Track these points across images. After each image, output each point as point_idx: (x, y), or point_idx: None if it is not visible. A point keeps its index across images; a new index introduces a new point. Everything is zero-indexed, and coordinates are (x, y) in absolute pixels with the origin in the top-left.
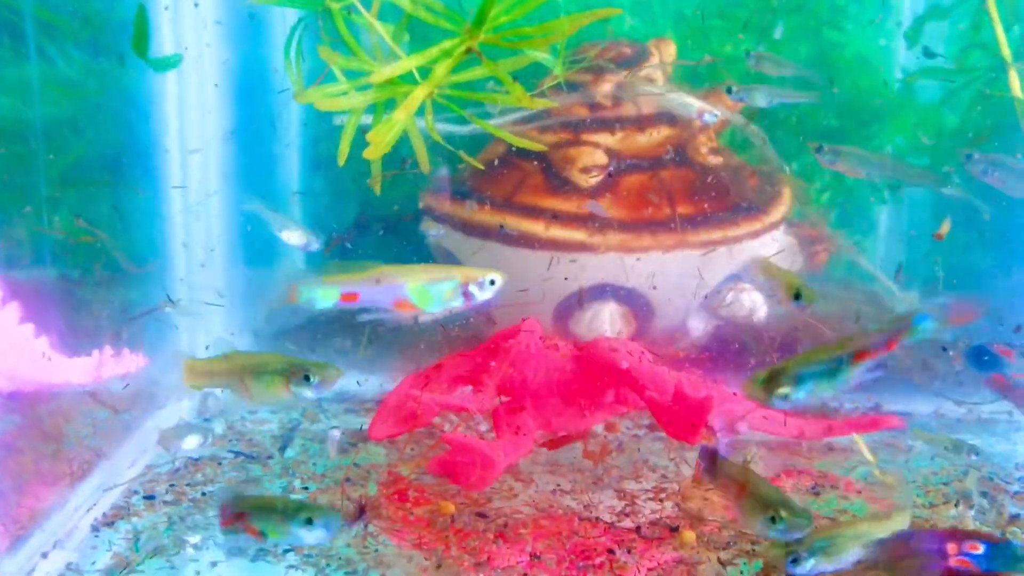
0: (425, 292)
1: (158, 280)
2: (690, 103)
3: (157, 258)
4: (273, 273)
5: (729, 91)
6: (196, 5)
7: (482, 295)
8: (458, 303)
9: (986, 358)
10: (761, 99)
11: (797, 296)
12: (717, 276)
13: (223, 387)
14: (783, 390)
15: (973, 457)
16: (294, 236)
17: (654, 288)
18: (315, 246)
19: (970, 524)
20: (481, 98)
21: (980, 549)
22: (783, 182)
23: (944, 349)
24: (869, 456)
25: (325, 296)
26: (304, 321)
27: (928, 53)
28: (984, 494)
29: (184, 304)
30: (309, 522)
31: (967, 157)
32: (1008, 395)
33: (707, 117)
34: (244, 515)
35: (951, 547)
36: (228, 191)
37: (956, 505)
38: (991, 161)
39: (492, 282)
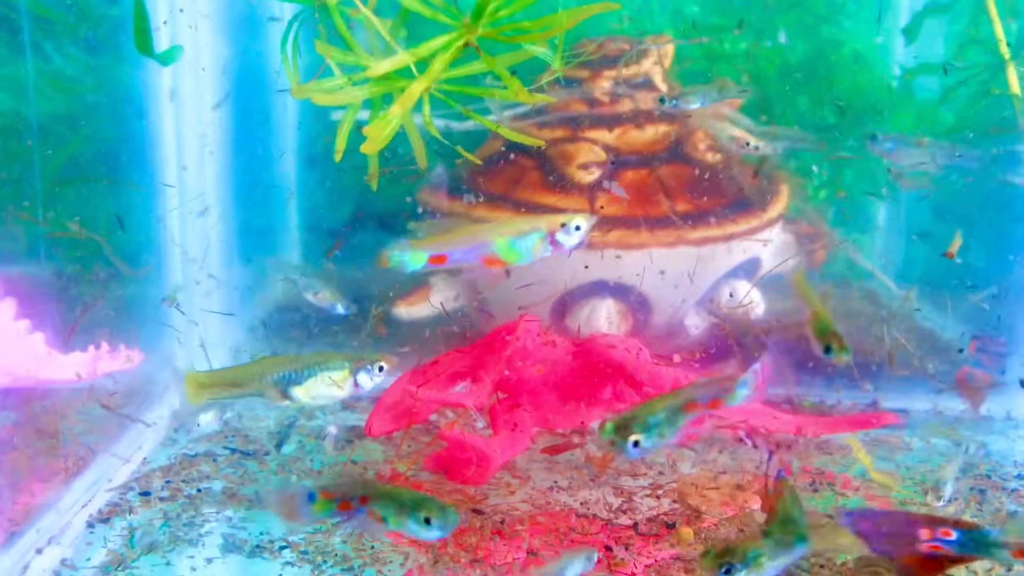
0: (512, 246)
1: (155, 276)
2: (736, 136)
3: (152, 254)
4: (267, 269)
5: (663, 101)
6: (181, 11)
7: (570, 241)
8: (546, 253)
9: None
10: (694, 102)
11: (828, 350)
12: (715, 273)
13: (254, 395)
14: (635, 437)
15: (980, 451)
16: (323, 298)
17: (661, 276)
18: (341, 309)
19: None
20: (479, 93)
21: (953, 535)
22: (781, 179)
23: (960, 351)
24: (865, 458)
25: (414, 260)
26: (300, 318)
27: (946, 69)
28: (981, 491)
29: (180, 286)
30: (427, 521)
31: (871, 138)
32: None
33: (748, 146)
34: (369, 499)
35: (924, 532)
36: (224, 188)
37: (925, 494)
38: (894, 140)
39: (578, 227)
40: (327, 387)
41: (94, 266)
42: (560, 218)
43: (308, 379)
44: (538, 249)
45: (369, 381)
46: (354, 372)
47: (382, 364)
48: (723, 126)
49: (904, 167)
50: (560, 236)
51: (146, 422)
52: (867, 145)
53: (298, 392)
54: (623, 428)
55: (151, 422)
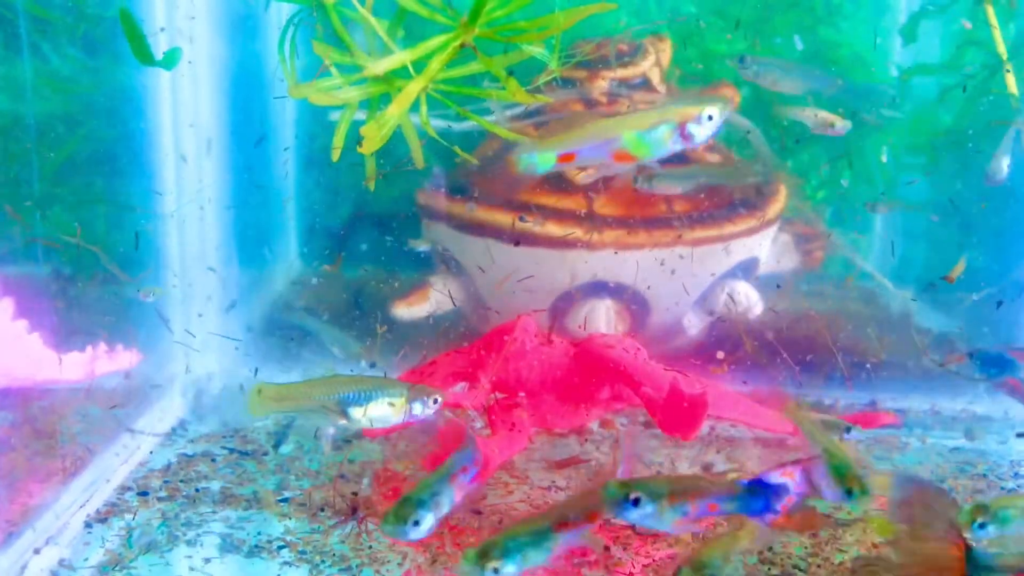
0: (642, 140)
1: (153, 277)
2: (823, 118)
3: (151, 256)
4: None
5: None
6: (162, 29)
7: (702, 132)
8: (677, 146)
9: (998, 362)
10: None
11: (849, 493)
12: (713, 273)
13: (316, 411)
14: (493, 564)
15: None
16: (350, 354)
17: (664, 279)
18: (364, 364)
19: None
20: (476, 93)
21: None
22: (779, 179)
23: (970, 356)
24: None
25: (543, 160)
26: (298, 320)
27: (965, 87)
28: (978, 491)
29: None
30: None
31: (739, 60)
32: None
33: (833, 127)
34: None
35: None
36: (223, 188)
37: None
38: (761, 63)
39: (711, 116)
40: (384, 411)
41: (92, 267)
42: (692, 108)
43: (368, 402)
44: (669, 141)
45: (422, 411)
46: (410, 401)
47: (437, 398)
48: (807, 112)
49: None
50: (691, 127)
51: (156, 433)
52: (736, 68)
53: (357, 413)
54: (483, 556)
55: (159, 432)
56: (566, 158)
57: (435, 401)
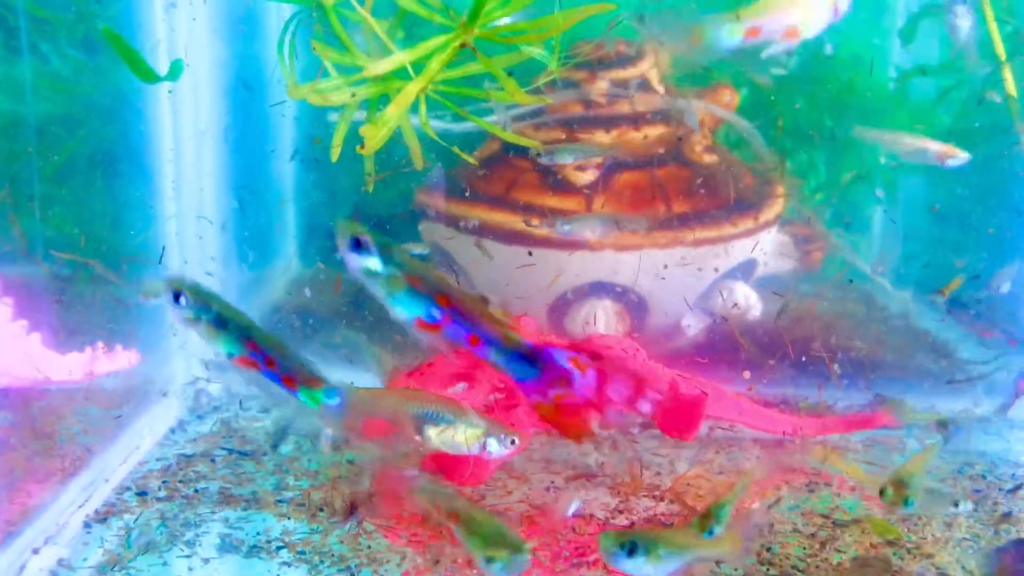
0: (813, 15)
1: (153, 277)
2: (935, 151)
3: (151, 257)
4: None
5: (538, 155)
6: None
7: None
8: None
9: None
10: (568, 157)
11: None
12: (713, 274)
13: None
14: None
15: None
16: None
17: (663, 280)
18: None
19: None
20: (476, 94)
21: None
22: (778, 180)
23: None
24: (850, 471)
25: (730, 33)
26: (297, 321)
27: (980, 100)
28: (977, 491)
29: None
30: (490, 560)
31: (639, 18)
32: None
33: (950, 162)
34: (455, 516)
35: None
36: (222, 188)
37: (956, 504)
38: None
39: None
40: (458, 438)
41: (92, 267)
42: None
43: (443, 424)
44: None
45: (497, 448)
46: (486, 435)
47: (515, 439)
48: (914, 140)
49: None
50: (842, 4)
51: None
52: (635, 26)
53: (431, 431)
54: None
55: (158, 432)
56: (752, 31)
57: (512, 442)
